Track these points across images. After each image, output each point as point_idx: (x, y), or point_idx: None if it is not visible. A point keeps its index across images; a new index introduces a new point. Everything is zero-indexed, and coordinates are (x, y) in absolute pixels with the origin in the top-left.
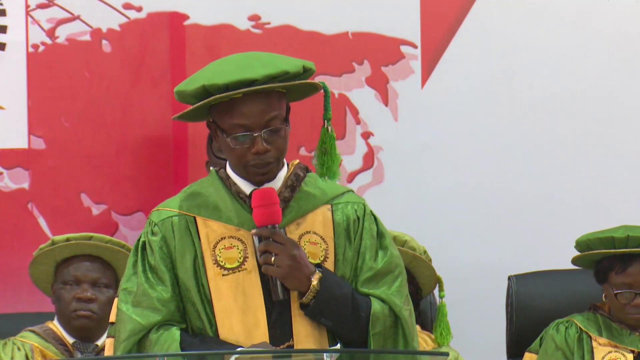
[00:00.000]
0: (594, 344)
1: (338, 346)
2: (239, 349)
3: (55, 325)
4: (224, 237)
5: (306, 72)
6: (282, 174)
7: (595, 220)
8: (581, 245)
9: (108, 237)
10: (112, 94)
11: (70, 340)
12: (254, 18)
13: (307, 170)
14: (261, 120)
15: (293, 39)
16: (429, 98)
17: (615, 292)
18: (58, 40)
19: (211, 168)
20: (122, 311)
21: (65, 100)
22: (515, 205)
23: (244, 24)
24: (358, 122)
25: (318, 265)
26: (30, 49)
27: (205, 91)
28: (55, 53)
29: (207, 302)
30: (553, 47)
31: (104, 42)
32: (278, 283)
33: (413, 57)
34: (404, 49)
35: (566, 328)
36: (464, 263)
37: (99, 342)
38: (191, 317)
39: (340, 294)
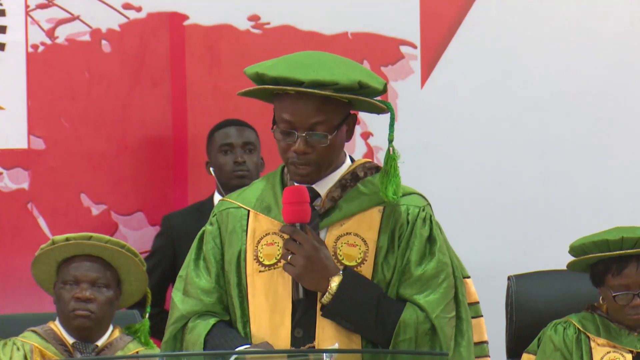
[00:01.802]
0: (593, 344)
1: (336, 345)
2: (238, 349)
3: (56, 326)
4: (269, 233)
5: (363, 88)
6: (338, 173)
7: (595, 220)
8: (576, 250)
9: (107, 237)
10: (112, 94)
11: (70, 340)
12: (254, 18)
13: (376, 169)
14: (306, 122)
15: (293, 39)
16: (429, 98)
17: (614, 294)
18: (58, 41)
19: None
20: (173, 298)
21: (65, 100)
22: (515, 205)
23: (243, 24)
24: (358, 122)
25: (347, 268)
26: (30, 49)
27: (259, 78)
28: (55, 53)
29: (244, 296)
30: (553, 47)
31: (104, 42)
32: (296, 282)
33: (413, 57)
34: (404, 49)
35: (564, 329)
36: (464, 263)
37: (99, 342)
38: (231, 309)
39: (363, 297)
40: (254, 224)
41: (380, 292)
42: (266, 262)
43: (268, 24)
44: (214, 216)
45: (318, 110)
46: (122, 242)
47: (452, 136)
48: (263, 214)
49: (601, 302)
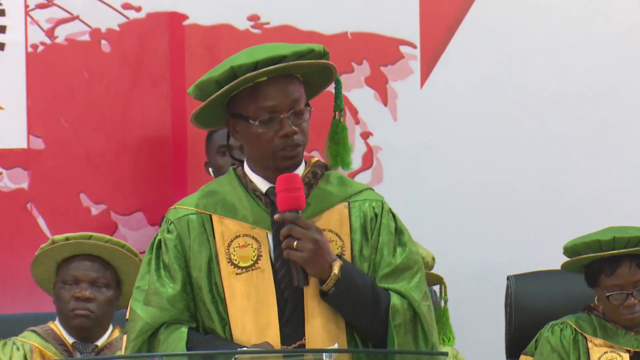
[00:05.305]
0: (590, 344)
1: (335, 345)
2: (239, 349)
3: (56, 326)
4: (239, 236)
5: (325, 55)
6: (299, 171)
7: (595, 220)
8: (569, 250)
9: (107, 237)
10: (112, 94)
11: (70, 340)
12: (253, 18)
13: (326, 168)
14: (287, 101)
15: (292, 39)
16: (428, 98)
17: (607, 294)
18: (57, 40)
19: (231, 167)
20: (133, 310)
21: (64, 100)
22: (515, 205)
23: (243, 24)
24: (357, 122)
25: (337, 256)
26: (30, 49)
27: (233, 73)
28: (55, 53)
29: (220, 301)
30: (553, 47)
31: (103, 42)
32: (300, 269)
33: (412, 57)
34: (403, 49)
35: (561, 330)
36: (463, 263)
37: (99, 342)
38: (202, 316)
39: (361, 282)
40: (220, 227)
41: (371, 278)
42: (242, 265)
43: (268, 23)
44: (170, 224)
45: (294, 87)
46: (122, 242)
47: (452, 136)
48: (229, 217)
49: (597, 302)
